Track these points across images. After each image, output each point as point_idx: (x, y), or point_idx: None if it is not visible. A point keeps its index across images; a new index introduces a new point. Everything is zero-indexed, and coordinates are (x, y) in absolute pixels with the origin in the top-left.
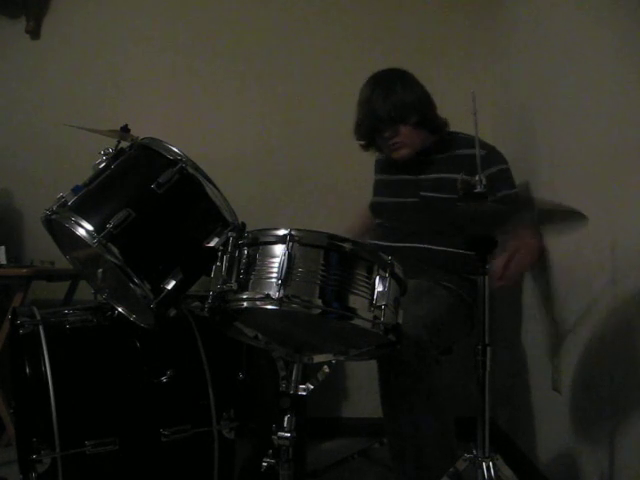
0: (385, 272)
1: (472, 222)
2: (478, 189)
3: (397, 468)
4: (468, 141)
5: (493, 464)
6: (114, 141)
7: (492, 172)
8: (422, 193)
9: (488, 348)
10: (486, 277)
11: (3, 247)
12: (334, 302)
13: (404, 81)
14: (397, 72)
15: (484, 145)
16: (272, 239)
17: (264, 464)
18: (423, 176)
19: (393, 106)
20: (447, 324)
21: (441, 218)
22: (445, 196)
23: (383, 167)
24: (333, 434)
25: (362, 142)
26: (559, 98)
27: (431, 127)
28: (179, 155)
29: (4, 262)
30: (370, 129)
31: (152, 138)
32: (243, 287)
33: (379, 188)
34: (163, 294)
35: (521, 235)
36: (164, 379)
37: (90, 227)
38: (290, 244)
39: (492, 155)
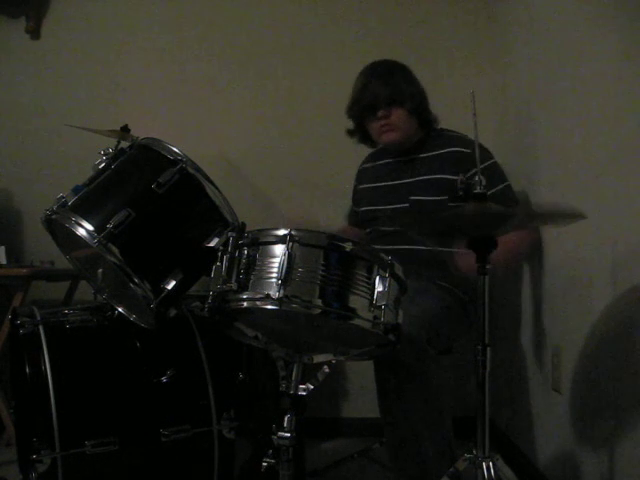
0: (385, 272)
1: (470, 224)
2: (478, 190)
3: (396, 468)
4: (455, 139)
5: (493, 464)
6: (114, 141)
7: (481, 169)
8: (412, 197)
9: (488, 348)
10: (486, 277)
11: (3, 247)
12: (334, 302)
13: (404, 70)
14: (397, 62)
15: (470, 143)
16: (272, 239)
17: (264, 464)
18: (411, 179)
19: (392, 87)
20: (444, 323)
21: (434, 220)
22: (436, 198)
23: (368, 176)
24: (333, 434)
25: (351, 127)
26: (559, 98)
27: (422, 119)
28: (179, 155)
29: (4, 262)
30: (365, 107)
31: (152, 138)
32: (243, 287)
33: (366, 197)
34: (163, 294)
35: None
36: (164, 379)
37: (90, 227)
38: (290, 244)
39: (479, 152)
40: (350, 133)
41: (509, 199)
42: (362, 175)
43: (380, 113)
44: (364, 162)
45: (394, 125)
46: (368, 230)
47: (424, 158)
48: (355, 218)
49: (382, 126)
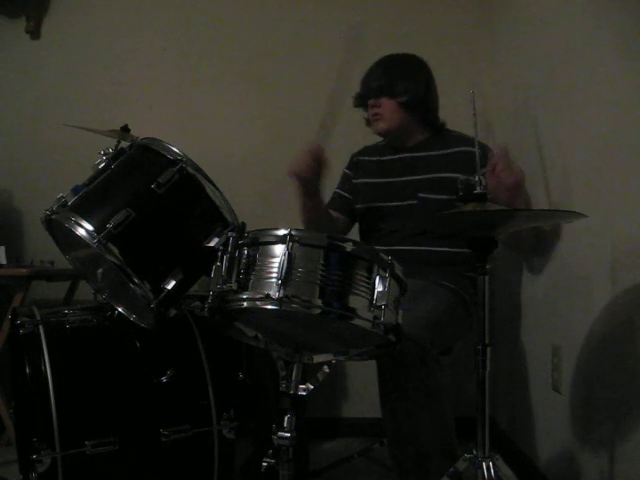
0: (385, 272)
1: (468, 223)
2: (478, 190)
3: (397, 468)
4: (464, 139)
5: (493, 464)
6: (114, 141)
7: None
8: (420, 194)
9: (488, 348)
10: (486, 277)
11: (3, 247)
12: (334, 302)
13: (412, 66)
14: (410, 57)
15: (480, 144)
16: (272, 239)
17: (264, 464)
18: (421, 176)
19: (385, 78)
20: (446, 323)
21: (435, 220)
22: (444, 197)
23: (368, 170)
24: (333, 434)
25: (366, 117)
26: (559, 97)
27: (421, 118)
28: (179, 155)
29: (4, 262)
30: (358, 95)
31: (152, 138)
32: (243, 287)
33: (368, 193)
34: (163, 294)
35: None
36: (164, 379)
37: (90, 227)
38: (290, 244)
39: (487, 154)
40: (367, 122)
41: None
42: (359, 167)
43: (370, 102)
44: (360, 154)
45: (382, 115)
46: (377, 227)
47: (434, 156)
48: (340, 203)
49: (373, 115)
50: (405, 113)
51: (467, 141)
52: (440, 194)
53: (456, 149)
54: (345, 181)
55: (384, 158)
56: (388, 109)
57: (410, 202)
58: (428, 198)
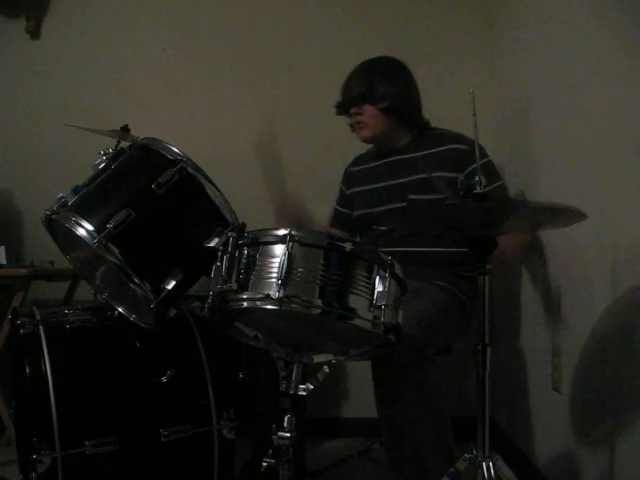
0: (385, 272)
1: (468, 222)
2: (478, 190)
3: (394, 469)
4: (451, 136)
5: (493, 464)
6: (114, 141)
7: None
8: (410, 196)
9: (488, 348)
10: (486, 277)
11: (3, 247)
12: (334, 302)
13: (389, 69)
14: (386, 60)
15: (465, 140)
16: (272, 239)
17: (264, 464)
18: (409, 178)
19: (364, 85)
20: (440, 323)
21: (433, 220)
22: (434, 197)
23: (359, 179)
24: (333, 434)
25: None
26: (559, 98)
27: (405, 120)
28: (179, 155)
29: (4, 262)
30: (340, 105)
31: (152, 138)
32: (243, 287)
33: (361, 200)
34: (163, 294)
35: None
36: (164, 379)
37: (90, 227)
38: (290, 244)
39: (474, 149)
40: (352, 128)
41: (502, 197)
42: (351, 179)
43: (352, 110)
44: (352, 165)
45: (365, 122)
46: (369, 232)
47: (420, 157)
48: (340, 220)
49: (356, 123)
50: (388, 118)
51: (453, 138)
52: (429, 194)
53: (442, 148)
54: (341, 195)
55: (372, 165)
56: (370, 116)
57: (400, 205)
58: (418, 199)
